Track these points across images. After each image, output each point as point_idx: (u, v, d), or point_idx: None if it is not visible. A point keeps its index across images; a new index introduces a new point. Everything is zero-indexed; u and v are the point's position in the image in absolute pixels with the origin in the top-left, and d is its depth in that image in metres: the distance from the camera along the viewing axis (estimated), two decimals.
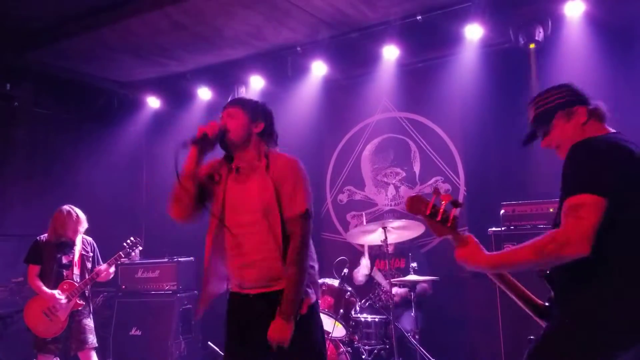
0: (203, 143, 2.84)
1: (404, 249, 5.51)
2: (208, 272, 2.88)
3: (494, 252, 2.25)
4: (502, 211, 4.76)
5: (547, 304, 2.36)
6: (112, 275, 5.29)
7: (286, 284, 2.68)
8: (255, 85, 6.54)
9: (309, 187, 2.85)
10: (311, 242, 2.83)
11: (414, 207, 2.34)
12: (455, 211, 2.28)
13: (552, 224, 2.37)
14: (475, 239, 2.29)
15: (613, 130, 2.35)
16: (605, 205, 2.01)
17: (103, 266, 5.15)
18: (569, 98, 2.39)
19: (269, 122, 2.99)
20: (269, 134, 2.98)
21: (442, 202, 2.29)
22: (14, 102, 6.53)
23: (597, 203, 2.01)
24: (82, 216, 5.23)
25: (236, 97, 2.91)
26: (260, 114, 2.98)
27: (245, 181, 2.88)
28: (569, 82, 2.48)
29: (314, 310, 2.82)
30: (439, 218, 2.29)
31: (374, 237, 4.99)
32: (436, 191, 2.31)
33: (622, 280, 2.08)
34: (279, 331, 2.63)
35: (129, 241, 5.33)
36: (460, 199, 5.82)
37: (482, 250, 2.25)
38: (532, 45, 5.31)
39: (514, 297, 2.42)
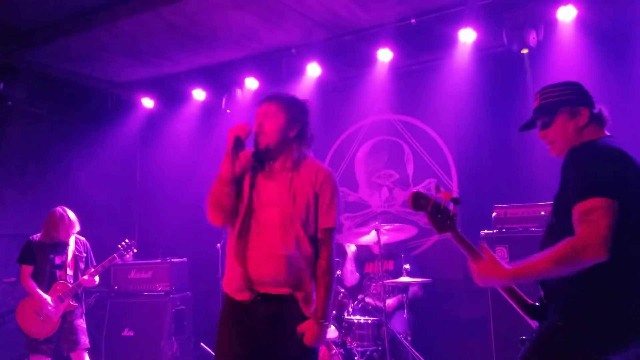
0: (237, 148, 2.78)
1: (392, 251, 5.53)
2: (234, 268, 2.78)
3: (512, 265, 2.22)
4: (494, 214, 4.79)
5: (537, 304, 2.38)
6: (96, 283, 5.24)
7: (322, 290, 2.72)
8: (250, 86, 6.55)
9: (341, 203, 2.94)
10: None
11: (416, 203, 2.38)
12: (455, 209, 2.34)
13: (546, 228, 2.38)
14: (491, 252, 2.29)
15: (608, 134, 2.36)
16: (616, 208, 2.00)
17: (92, 271, 5.13)
18: (577, 97, 2.38)
19: (305, 123, 2.87)
20: (303, 137, 2.87)
21: (443, 199, 2.34)
22: (8, 102, 6.51)
23: (608, 205, 2.01)
24: (75, 219, 5.22)
25: (274, 92, 2.98)
26: (297, 115, 2.85)
27: (277, 179, 2.83)
28: (578, 81, 2.47)
29: None
30: (439, 215, 2.34)
31: (367, 238, 5.06)
32: (437, 188, 2.36)
33: (616, 283, 2.09)
34: (315, 336, 2.66)
35: (123, 243, 5.33)
36: None
37: (500, 264, 2.23)
38: (524, 51, 5.34)
39: (505, 295, 2.42)
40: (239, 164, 2.82)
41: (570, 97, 2.38)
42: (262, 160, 2.86)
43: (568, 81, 2.46)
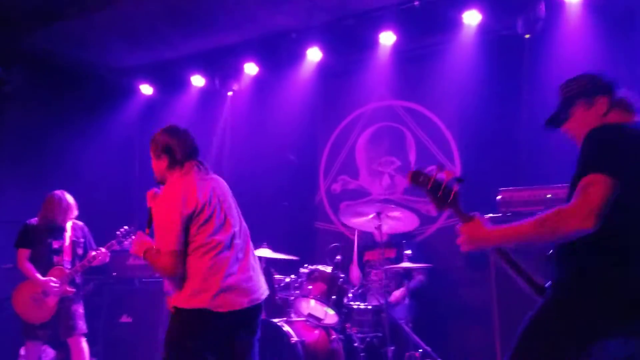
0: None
1: (394, 240, 5.44)
2: None
3: (497, 227, 2.25)
4: (499, 197, 4.70)
5: (546, 284, 2.35)
6: (107, 259, 5.16)
7: None
8: (249, 71, 6.48)
9: (164, 219, 2.92)
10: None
11: (415, 181, 2.43)
12: (457, 187, 2.36)
13: None
14: (482, 216, 2.33)
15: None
16: (616, 186, 2.01)
17: (97, 252, 5.03)
18: (591, 87, 2.39)
19: (171, 148, 2.99)
20: (174, 161, 3.00)
21: (444, 178, 2.37)
22: (6, 87, 6.45)
23: (606, 182, 2.01)
24: (73, 203, 5.17)
25: None
26: (159, 146, 3.01)
27: None
28: (596, 71, 2.47)
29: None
30: (440, 193, 2.36)
31: (366, 221, 4.96)
32: (440, 167, 2.40)
33: (614, 259, 2.07)
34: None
35: (122, 230, 5.26)
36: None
37: (485, 225, 2.27)
38: (527, 36, 5.27)
39: (514, 275, 2.41)
40: None
41: (584, 88, 2.40)
42: None
43: (582, 73, 2.47)
